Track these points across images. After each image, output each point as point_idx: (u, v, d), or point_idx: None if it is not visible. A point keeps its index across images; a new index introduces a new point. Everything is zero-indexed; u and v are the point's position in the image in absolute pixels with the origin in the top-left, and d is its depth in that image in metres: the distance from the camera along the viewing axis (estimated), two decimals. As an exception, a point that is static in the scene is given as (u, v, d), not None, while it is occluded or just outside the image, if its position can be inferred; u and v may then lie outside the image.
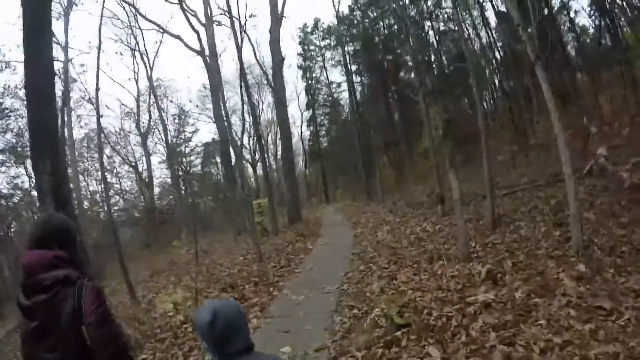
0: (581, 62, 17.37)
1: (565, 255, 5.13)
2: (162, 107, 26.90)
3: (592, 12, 16.00)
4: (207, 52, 17.81)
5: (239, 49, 14.66)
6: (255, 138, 20.28)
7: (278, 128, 20.94)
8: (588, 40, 18.51)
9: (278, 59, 16.28)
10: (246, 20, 23.28)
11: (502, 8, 21.71)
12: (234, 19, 14.67)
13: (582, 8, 22.87)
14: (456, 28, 23.13)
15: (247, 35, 23.39)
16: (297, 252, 9.72)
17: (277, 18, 16.57)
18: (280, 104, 16.82)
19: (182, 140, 33.24)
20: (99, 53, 11.11)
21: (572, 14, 17.57)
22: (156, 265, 18.09)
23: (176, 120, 31.77)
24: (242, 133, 22.89)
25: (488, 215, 7.18)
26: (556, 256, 5.13)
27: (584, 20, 30.95)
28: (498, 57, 24.05)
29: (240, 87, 14.20)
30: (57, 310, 1.62)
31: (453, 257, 5.82)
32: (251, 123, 24.63)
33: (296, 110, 52.98)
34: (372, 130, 19.77)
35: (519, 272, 4.77)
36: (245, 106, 17.92)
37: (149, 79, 23.50)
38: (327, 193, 32.35)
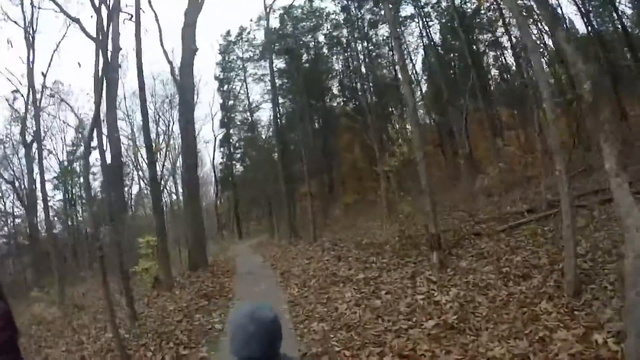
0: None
1: None
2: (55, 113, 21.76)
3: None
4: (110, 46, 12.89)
5: (138, 23, 10.56)
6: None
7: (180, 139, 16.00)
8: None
9: (190, 49, 12.27)
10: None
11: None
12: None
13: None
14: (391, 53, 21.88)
15: (156, 15, 18.33)
16: (194, 340, 5.47)
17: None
18: (186, 105, 12.53)
19: (73, 158, 26.92)
20: None
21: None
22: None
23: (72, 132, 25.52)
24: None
25: (568, 272, 4.14)
26: None
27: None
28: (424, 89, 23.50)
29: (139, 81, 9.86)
30: None
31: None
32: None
33: (209, 133, 47.02)
34: (303, 154, 16.32)
35: None
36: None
37: (29, 72, 16.24)
38: (240, 226, 27.85)
